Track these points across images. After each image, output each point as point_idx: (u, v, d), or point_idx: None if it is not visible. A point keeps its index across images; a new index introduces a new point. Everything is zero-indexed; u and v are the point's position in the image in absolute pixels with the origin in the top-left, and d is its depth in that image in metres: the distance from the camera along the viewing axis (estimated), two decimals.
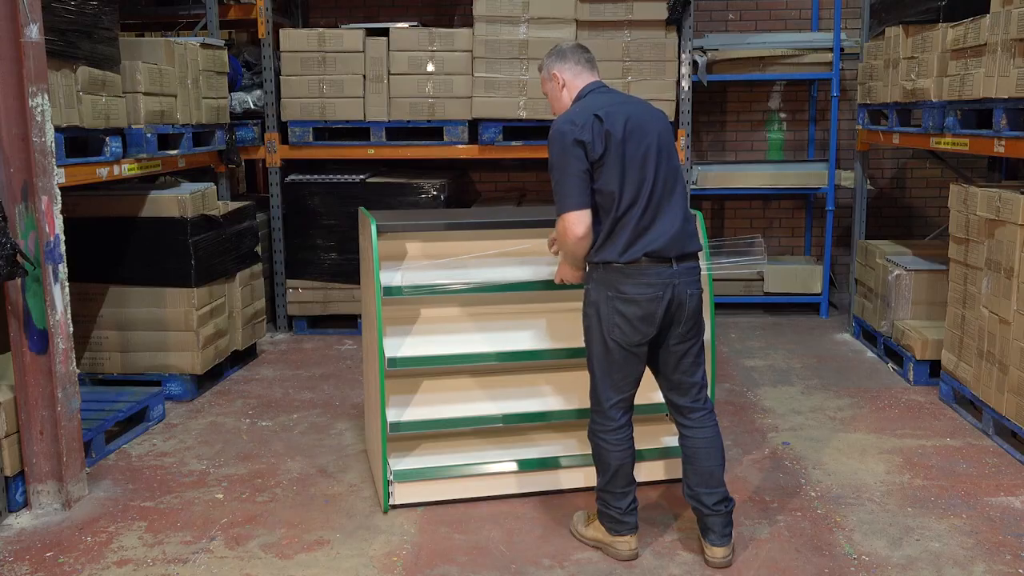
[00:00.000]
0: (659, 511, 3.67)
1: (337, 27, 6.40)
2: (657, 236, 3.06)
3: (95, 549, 3.41)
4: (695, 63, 6.46)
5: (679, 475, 3.91)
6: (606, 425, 3.23)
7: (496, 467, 3.78)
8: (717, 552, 3.23)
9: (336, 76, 6.24)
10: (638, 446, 3.86)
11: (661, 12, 5.99)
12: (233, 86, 6.39)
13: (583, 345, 3.66)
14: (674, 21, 6.06)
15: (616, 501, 3.26)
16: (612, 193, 3.04)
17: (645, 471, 3.87)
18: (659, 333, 3.14)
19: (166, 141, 5.18)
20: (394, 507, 3.70)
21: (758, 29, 7.40)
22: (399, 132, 6.40)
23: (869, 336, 6.04)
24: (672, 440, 3.85)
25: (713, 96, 7.45)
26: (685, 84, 6.25)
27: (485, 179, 7.74)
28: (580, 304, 3.96)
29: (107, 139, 4.45)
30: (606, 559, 3.29)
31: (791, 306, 7.01)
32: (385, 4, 7.54)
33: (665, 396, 3.32)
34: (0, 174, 3.48)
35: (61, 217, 3.68)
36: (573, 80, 3.23)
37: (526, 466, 3.80)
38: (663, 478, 3.91)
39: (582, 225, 3.05)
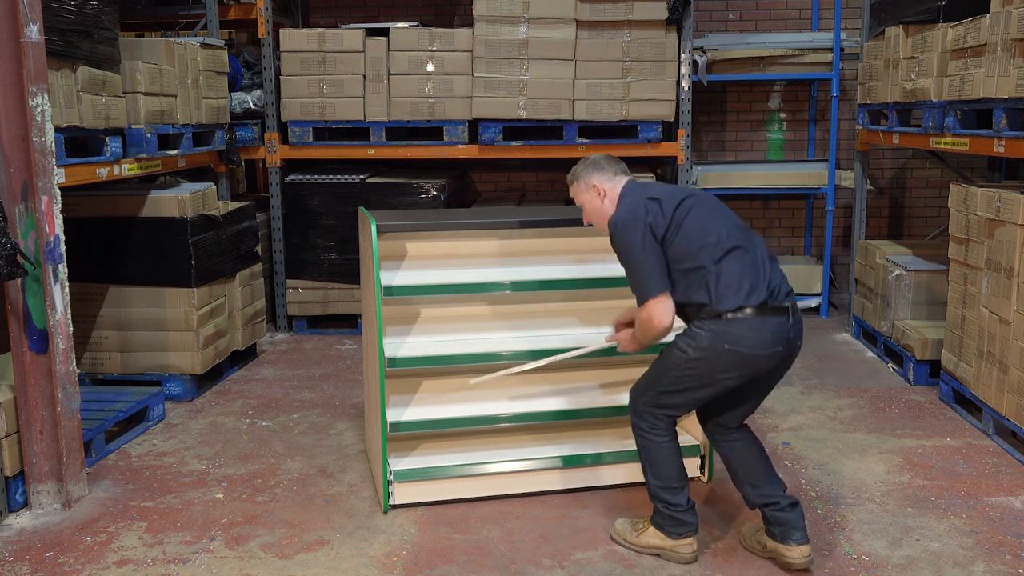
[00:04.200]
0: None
1: (337, 27, 6.40)
2: (769, 274, 3.11)
3: (95, 549, 3.41)
4: (695, 63, 6.46)
5: None
6: (656, 425, 3.19)
7: (496, 467, 3.77)
8: (804, 550, 3.16)
9: (336, 76, 6.24)
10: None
11: (661, 12, 5.99)
12: (233, 86, 6.39)
13: (583, 345, 3.66)
14: (674, 21, 6.06)
15: (673, 498, 3.20)
16: (708, 244, 3.02)
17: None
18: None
19: (166, 141, 5.18)
20: (394, 507, 3.70)
21: (758, 29, 7.39)
22: (399, 132, 6.40)
23: (869, 336, 6.04)
24: None
25: (713, 96, 7.45)
26: (685, 84, 6.25)
27: (485, 179, 7.74)
28: (580, 304, 3.99)
29: (107, 139, 4.45)
30: (606, 559, 3.29)
31: None
32: (385, 4, 7.54)
33: (720, 415, 3.26)
34: (0, 174, 3.49)
35: (61, 217, 3.68)
36: (613, 188, 3.23)
37: (527, 466, 3.79)
38: None
39: (669, 315, 3.01)
